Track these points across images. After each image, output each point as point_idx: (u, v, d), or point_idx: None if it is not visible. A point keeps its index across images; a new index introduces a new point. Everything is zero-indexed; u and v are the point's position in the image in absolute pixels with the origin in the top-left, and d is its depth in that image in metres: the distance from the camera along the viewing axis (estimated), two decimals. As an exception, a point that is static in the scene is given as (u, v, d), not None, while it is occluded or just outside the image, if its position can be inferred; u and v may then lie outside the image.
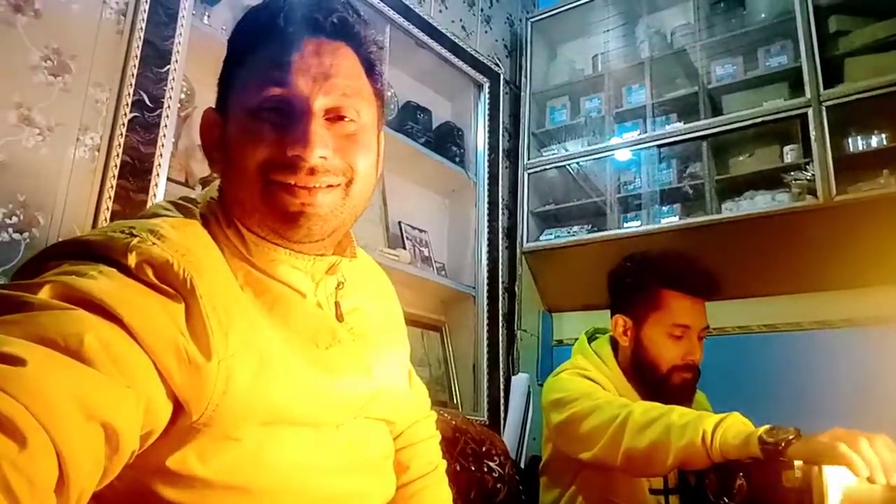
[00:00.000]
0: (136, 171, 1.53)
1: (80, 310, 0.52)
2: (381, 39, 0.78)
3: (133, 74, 1.55)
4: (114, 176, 1.49)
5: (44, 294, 0.53)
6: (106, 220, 1.46)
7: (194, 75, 1.75)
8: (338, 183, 0.69)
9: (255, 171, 0.67)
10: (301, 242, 0.70)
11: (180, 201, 0.74)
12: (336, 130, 0.70)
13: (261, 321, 0.66)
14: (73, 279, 0.54)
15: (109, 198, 1.47)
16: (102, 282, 0.55)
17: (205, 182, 1.79)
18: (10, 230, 1.35)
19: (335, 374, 0.70)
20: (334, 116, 0.70)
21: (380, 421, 0.81)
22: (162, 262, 0.59)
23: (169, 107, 1.60)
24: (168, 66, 1.62)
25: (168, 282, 0.59)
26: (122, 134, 1.51)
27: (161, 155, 1.57)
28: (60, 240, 0.62)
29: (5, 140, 1.35)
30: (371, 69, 0.76)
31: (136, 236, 0.60)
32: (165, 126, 1.59)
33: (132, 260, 0.58)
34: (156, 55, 1.60)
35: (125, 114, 1.52)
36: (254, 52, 0.71)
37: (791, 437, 1.01)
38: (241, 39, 0.74)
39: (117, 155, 1.50)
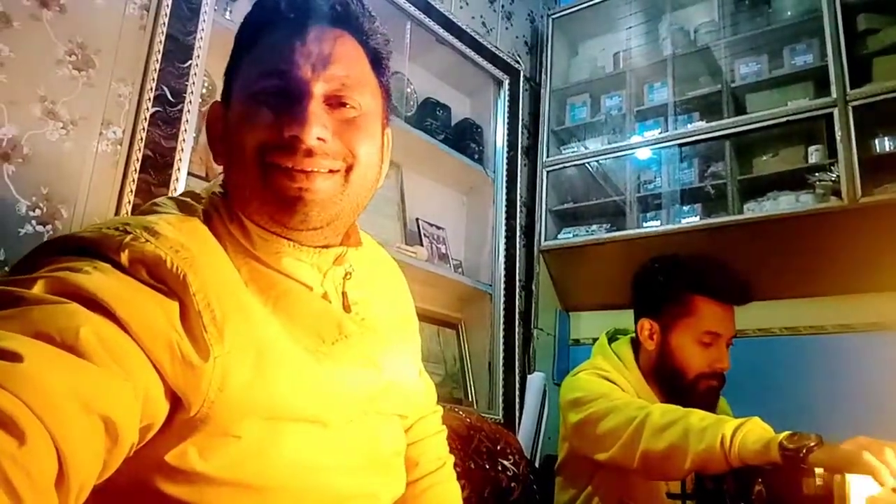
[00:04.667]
0: (157, 165, 1.54)
1: (74, 304, 0.52)
2: (387, 32, 0.79)
3: (155, 69, 1.56)
4: (135, 170, 1.50)
5: (38, 289, 0.53)
6: (128, 213, 1.48)
7: (216, 70, 1.76)
8: (337, 168, 0.69)
9: (252, 154, 0.67)
10: (299, 230, 0.69)
11: (181, 197, 0.74)
12: (336, 115, 0.70)
13: (263, 317, 0.65)
14: (66, 274, 0.54)
15: (131, 191, 1.49)
16: (96, 277, 0.55)
17: (225, 177, 1.80)
18: (34, 222, 1.36)
19: (341, 369, 0.70)
20: (335, 102, 0.70)
21: (392, 416, 0.81)
22: (155, 259, 0.59)
23: (190, 101, 1.61)
24: (190, 61, 1.63)
25: (161, 279, 0.58)
26: (143, 128, 1.52)
27: (182, 149, 1.58)
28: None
29: (30, 133, 1.37)
30: (377, 62, 0.76)
31: (129, 233, 0.60)
32: (187, 121, 1.60)
33: (125, 257, 0.58)
34: (178, 50, 1.61)
35: (147, 108, 1.53)
36: (258, 40, 0.72)
37: (812, 443, 0.99)
38: (247, 29, 0.74)
39: (139, 149, 1.51)
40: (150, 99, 1.54)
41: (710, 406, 1.37)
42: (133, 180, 1.49)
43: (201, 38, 1.66)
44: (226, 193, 0.73)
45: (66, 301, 0.52)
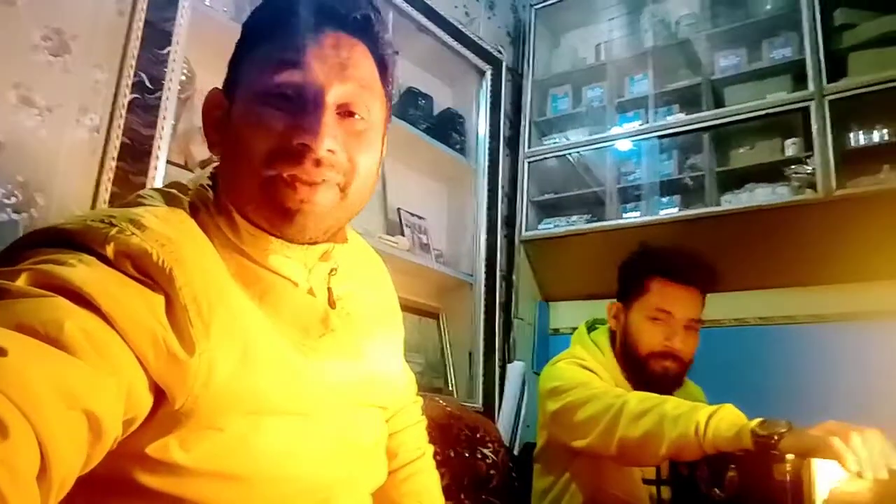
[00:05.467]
0: (135, 153, 1.52)
1: (58, 297, 0.52)
2: (394, 43, 0.79)
3: (133, 56, 1.54)
4: (113, 158, 1.48)
5: (22, 281, 0.52)
6: (105, 201, 1.46)
7: (195, 57, 1.74)
8: (338, 181, 0.68)
9: (259, 161, 0.66)
10: (293, 240, 0.70)
11: (168, 189, 0.73)
12: (345, 126, 0.69)
13: (248, 312, 0.65)
14: (51, 267, 0.54)
15: (108, 179, 1.47)
16: (81, 270, 0.54)
17: (204, 165, 1.78)
18: (9, 210, 1.34)
19: (326, 363, 0.70)
20: (345, 112, 0.69)
21: (373, 407, 0.81)
22: (140, 252, 0.58)
23: (169, 89, 1.59)
24: (169, 48, 1.61)
25: (147, 272, 0.58)
26: (121, 115, 1.50)
27: (161, 137, 1.56)
28: (40, 227, 0.61)
29: (5, 120, 1.34)
30: (384, 71, 0.75)
31: (115, 226, 0.59)
32: (165, 108, 1.58)
33: (110, 250, 0.57)
34: (156, 36, 1.59)
35: (125, 95, 1.51)
36: (271, 36, 0.70)
37: (783, 430, 1.02)
38: (259, 22, 0.72)
39: (117, 137, 1.49)
40: (128, 86, 1.52)
41: (668, 388, 1.39)
42: (110, 168, 1.47)
43: (180, 24, 1.63)
44: (214, 185, 0.72)
45: (51, 294, 0.52)
